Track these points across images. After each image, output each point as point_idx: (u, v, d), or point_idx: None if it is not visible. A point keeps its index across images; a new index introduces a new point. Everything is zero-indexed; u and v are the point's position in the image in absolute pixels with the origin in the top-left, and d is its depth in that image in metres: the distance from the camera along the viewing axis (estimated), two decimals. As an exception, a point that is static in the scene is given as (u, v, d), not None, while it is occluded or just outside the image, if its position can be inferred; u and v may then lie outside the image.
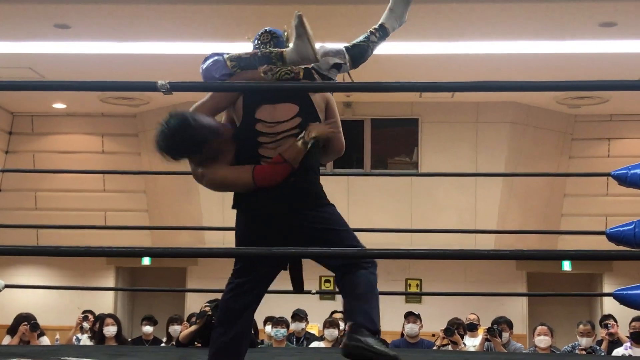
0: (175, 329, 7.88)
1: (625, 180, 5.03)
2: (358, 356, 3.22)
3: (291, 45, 3.58)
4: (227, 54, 3.61)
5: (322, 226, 3.45)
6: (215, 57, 3.61)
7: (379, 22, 3.86)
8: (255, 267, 3.53)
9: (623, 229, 4.90)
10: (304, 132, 3.49)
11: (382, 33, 3.83)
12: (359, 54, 3.75)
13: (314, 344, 7.67)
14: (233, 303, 3.52)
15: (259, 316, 7.69)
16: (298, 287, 3.66)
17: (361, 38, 3.80)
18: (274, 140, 3.51)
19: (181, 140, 3.39)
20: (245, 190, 3.51)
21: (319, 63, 3.62)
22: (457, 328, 7.71)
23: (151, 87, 2.58)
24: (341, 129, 3.68)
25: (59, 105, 11.78)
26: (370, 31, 3.82)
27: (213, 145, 3.46)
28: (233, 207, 3.60)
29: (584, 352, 7.05)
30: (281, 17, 3.82)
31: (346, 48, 3.73)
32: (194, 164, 3.57)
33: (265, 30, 3.75)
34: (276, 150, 3.50)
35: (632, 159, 5.56)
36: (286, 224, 3.46)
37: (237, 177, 3.51)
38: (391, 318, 9.58)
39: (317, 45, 3.57)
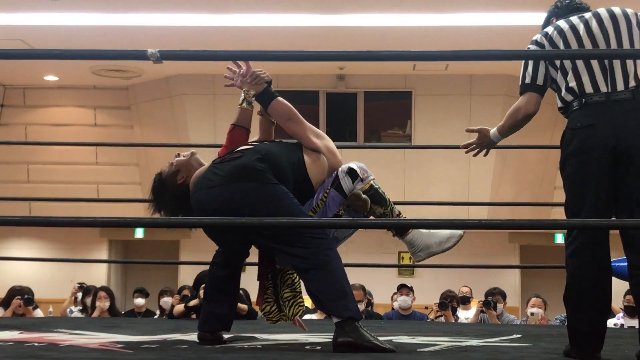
0: (165, 301, 7.87)
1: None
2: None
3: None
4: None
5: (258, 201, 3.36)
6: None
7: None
8: (225, 243, 3.62)
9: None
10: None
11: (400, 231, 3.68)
12: (378, 193, 3.59)
13: (307, 317, 7.67)
14: (216, 271, 3.68)
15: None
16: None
17: (388, 196, 3.63)
18: None
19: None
20: None
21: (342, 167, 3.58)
22: (450, 301, 7.73)
23: (141, 55, 2.55)
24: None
25: (51, 78, 11.71)
26: (398, 213, 3.66)
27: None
28: None
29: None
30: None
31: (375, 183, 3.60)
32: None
33: None
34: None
35: (625, 131, 5.52)
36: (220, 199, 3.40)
37: None
38: (384, 291, 9.62)
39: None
